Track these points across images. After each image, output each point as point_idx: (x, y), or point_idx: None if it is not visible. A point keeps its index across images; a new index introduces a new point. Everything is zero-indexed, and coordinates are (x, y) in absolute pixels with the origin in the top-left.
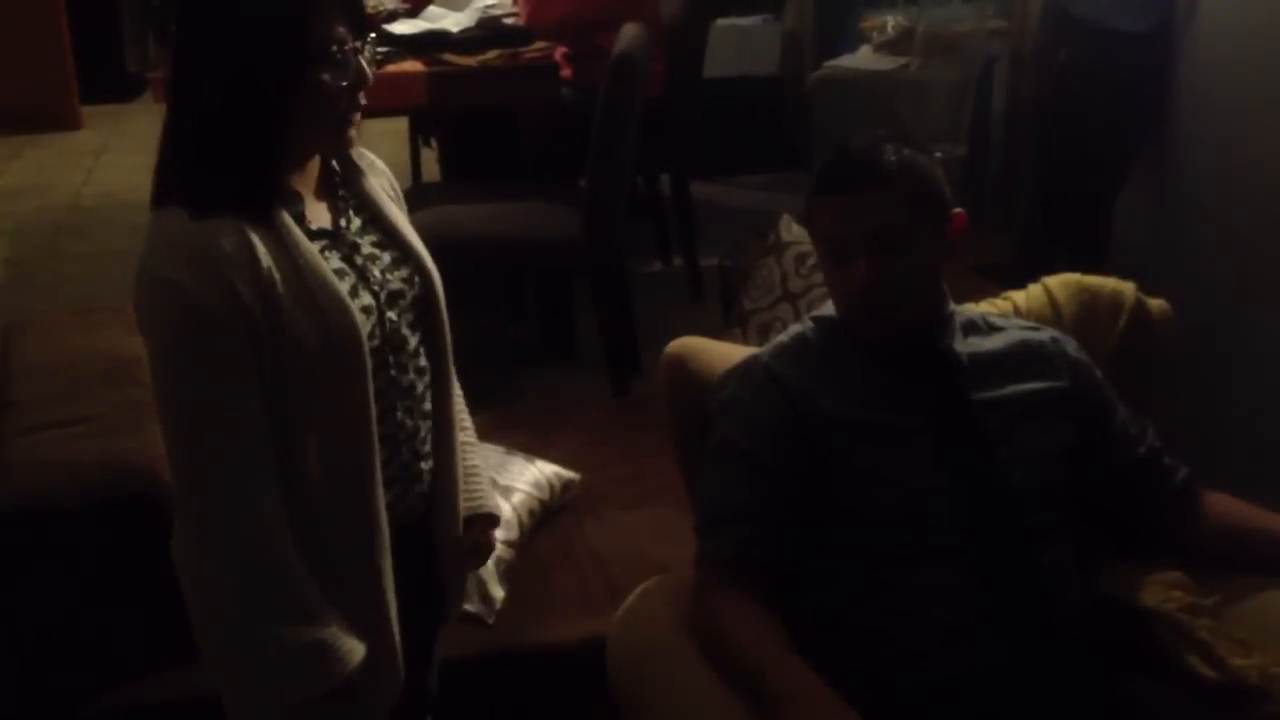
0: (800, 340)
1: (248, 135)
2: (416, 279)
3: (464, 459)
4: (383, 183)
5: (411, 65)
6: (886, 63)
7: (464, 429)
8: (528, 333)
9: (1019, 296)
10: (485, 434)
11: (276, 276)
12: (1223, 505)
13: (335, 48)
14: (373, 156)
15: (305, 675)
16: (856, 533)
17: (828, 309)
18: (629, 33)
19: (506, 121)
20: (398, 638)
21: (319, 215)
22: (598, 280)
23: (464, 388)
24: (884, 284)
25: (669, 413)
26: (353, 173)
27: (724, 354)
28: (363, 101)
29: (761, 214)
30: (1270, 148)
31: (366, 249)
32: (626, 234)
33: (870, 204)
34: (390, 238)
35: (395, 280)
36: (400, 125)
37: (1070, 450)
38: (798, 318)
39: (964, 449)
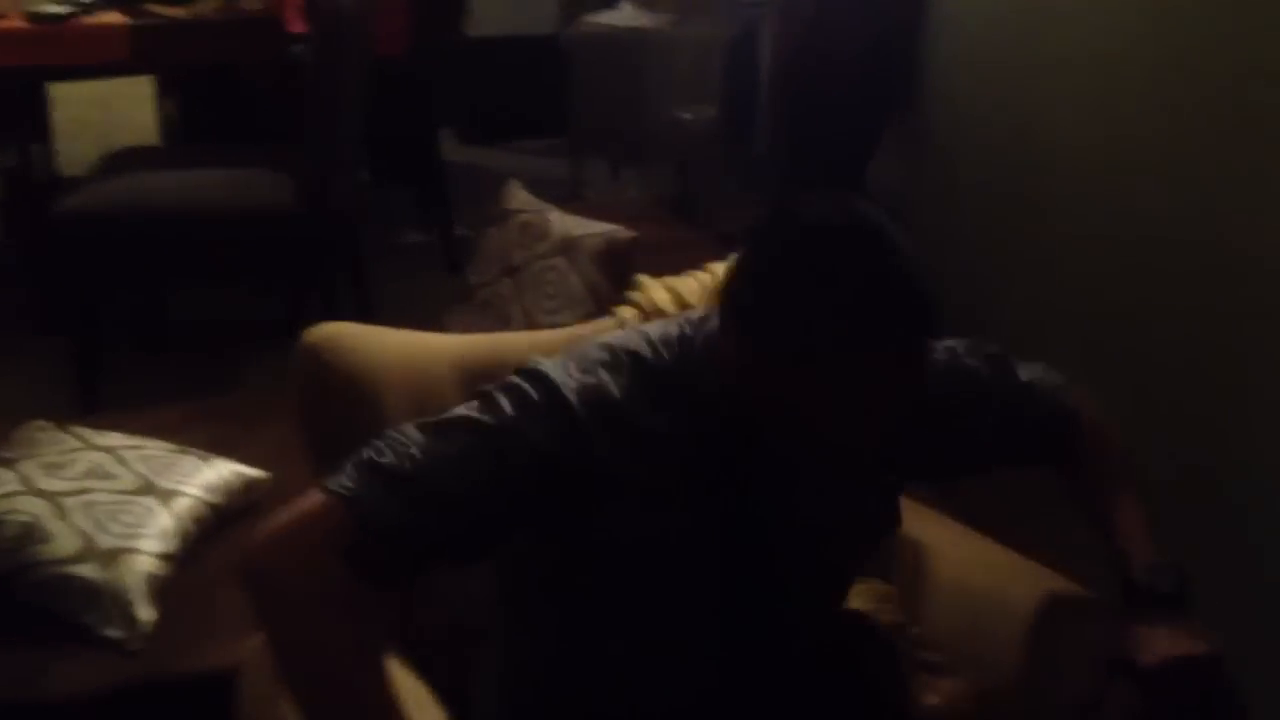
0: (626, 400)
1: None
2: None
3: None
4: None
5: (112, 16)
6: (645, 19)
7: None
8: (276, 310)
9: None
10: (173, 430)
11: None
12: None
13: None
14: None
15: None
16: (600, 584)
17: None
18: None
19: (248, 82)
20: None
21: None
22: (314, 251)
23: (179, 372)
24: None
25: (303, 411)
26: None
27: (377, 344)
28: None
29: (539, 181)
30: (1024, 108)
31: None
32: (359, 202)
33: (925, 354)
34: None
35: None
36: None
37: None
38: (519, 294)
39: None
